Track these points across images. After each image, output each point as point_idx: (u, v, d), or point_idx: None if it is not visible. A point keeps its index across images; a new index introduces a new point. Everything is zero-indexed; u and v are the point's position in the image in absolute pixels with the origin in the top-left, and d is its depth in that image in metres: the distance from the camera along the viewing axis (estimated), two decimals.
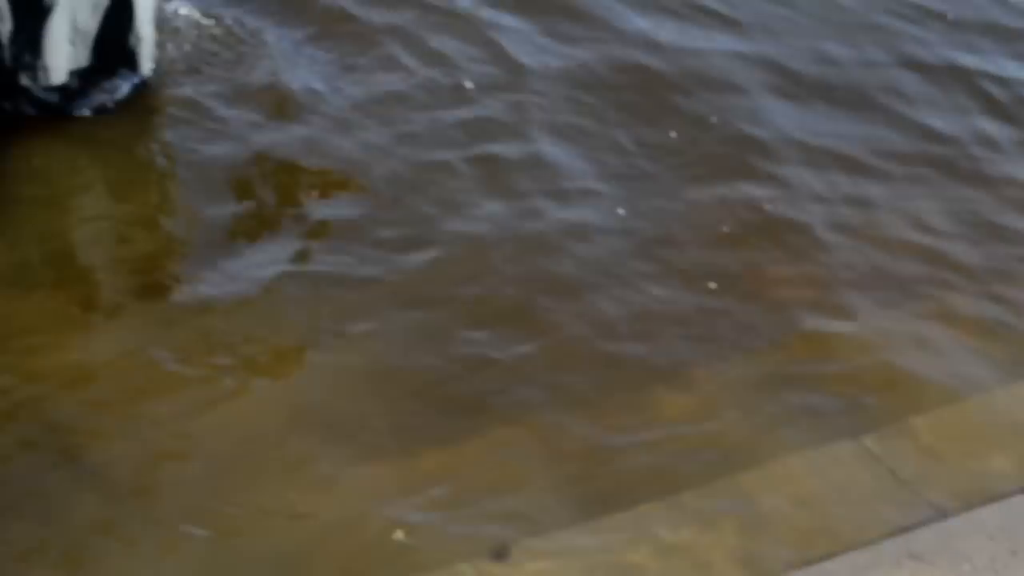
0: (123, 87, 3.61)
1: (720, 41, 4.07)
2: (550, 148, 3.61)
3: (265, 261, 3.24)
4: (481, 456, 2.78)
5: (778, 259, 3.35)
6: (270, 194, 3.48)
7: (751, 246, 3.38)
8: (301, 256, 3.25)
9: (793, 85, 3.94)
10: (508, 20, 4.03)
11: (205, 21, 3.93)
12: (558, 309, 3.12)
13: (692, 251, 3.34)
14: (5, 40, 3.40)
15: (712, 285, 3.24)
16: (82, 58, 3.52)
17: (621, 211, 3.42)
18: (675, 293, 3.20)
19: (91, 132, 3.55)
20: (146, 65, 3.60)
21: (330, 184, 3.48)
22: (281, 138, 3.58)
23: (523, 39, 3.98)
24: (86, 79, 3.56)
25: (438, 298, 3.14)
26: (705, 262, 3.31)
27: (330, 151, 3.55)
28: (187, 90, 3.71)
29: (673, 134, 3.68)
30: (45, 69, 3.45)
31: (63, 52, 3.47)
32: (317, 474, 2.72)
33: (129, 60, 3.57)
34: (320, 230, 3.34)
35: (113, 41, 3.54)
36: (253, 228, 3.37)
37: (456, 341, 3.03)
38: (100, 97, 3.59)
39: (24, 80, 3.45)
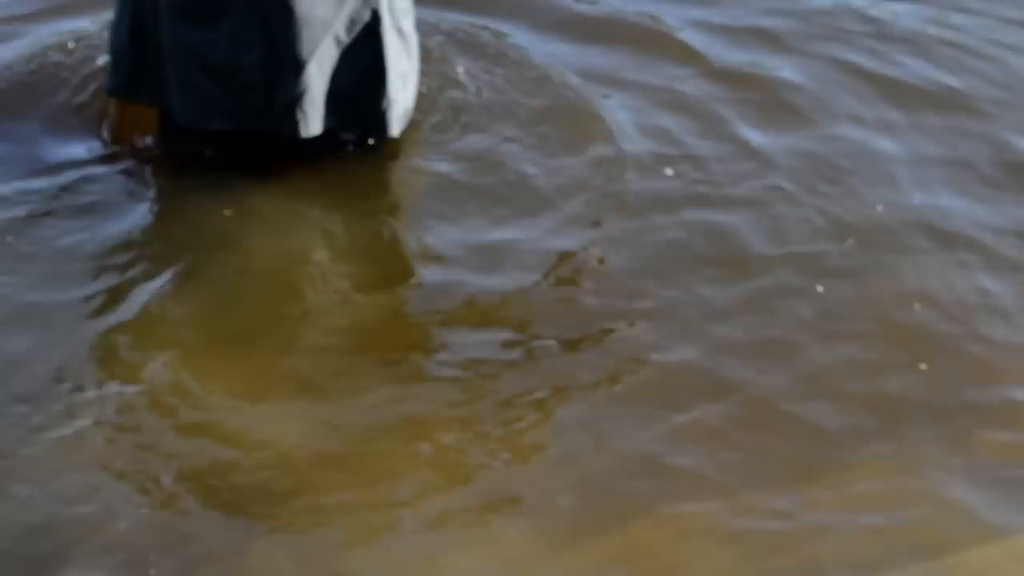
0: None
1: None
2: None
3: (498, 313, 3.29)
4: (659, 538, 2.71)
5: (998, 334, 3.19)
6: (508, 231, 3.54)
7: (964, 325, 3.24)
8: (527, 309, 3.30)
9: None
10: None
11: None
12: (753, 375, 3.07)
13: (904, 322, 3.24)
14: (262, 91, 3.55)
15: (923, 366, 3.10)
16: (335, 118, 3.62)
17: (820, 287, 3.33)
18: (881, 366, 3.11)
19: (325, 171, 3.68)
20: (395, 127, 3.68)
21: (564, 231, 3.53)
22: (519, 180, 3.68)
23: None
24: (339, 132, 3.69)
25: (630, 366, 3.11)
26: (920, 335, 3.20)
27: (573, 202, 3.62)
28: (432, 119, 3.87)
29: (880, 207, 3.61)
30: (295, 123, 3.56)
31: (318, 110, 3.58)
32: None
33: (379, 123, 3.67)
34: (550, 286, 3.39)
35: (366, 103, 3.64)
36: (487, 266, 3.43)
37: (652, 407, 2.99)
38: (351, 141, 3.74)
39: (275, 128, 3.57)
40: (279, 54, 3.52)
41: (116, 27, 3.68)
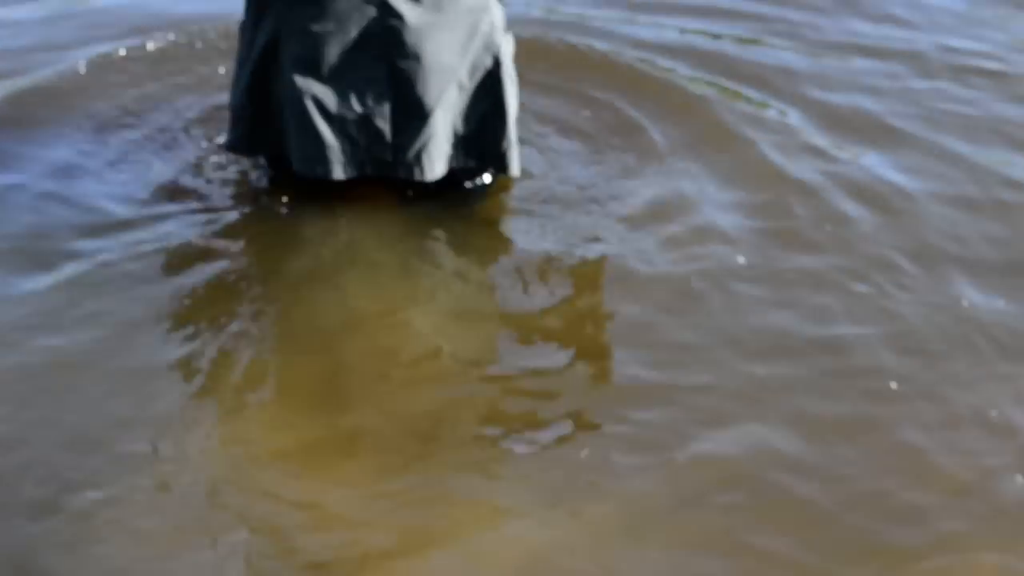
0: (487, 177, 3.84)
1: None
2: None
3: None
4: None
5: None
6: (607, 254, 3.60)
7: None
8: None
9: None
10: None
11: None
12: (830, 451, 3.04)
13: None
14: (389, 139, 3.63)
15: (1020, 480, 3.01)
16: (458, 159, 3.72)
17: (894, 384, 3.21)
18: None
19: (426, 207, 3.75)
20: (515, 166, 3.78)
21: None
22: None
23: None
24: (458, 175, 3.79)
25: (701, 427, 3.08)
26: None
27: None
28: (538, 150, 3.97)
29: (966, 302, 3.52)
30: (421, 168, 3.66)
31: (442, 153, 3.68)
32: None
33: (501, 163, 3.76)
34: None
35: (487, 144, 3.73)
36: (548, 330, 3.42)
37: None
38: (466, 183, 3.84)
39: (401, 173, 3.67)
40: (407, 103, 3.61)
41: (235, 84, 3.75)
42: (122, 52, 4.62)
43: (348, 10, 3.51)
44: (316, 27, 3.52)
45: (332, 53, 3.56)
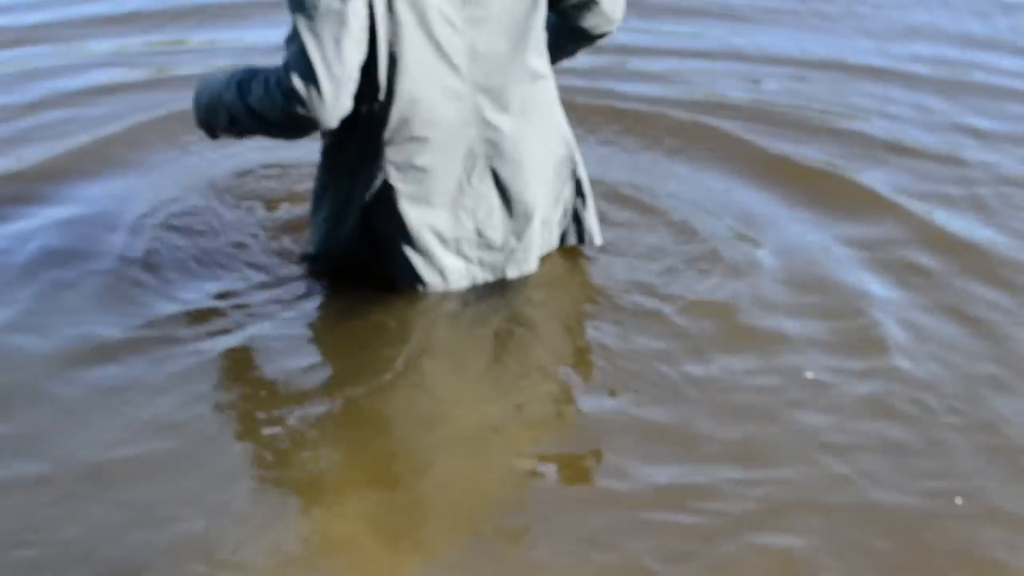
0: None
1: None
2: None
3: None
4: None
5: None
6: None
7: None
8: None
9: None
10: None
11: None
12: None
13: None
14: (500, 245, 3.76)
15: None
16: (550, 244, 3.92)
17: (959, 500, 3.13)
18: None
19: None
20: (598, 236, 3.98)
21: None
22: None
23: None
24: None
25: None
26: None
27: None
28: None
29: None
30: (528, 263, 3.82)
31: (537, 245, 3.85)
32: None
33: (589, 237, 3.96)
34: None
35: (575, 224, 3.94)
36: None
37: None
38: None
39: (510, 273, 3.81)
40: (513, 207, 3.75)
41: (333, 227, 3.74)
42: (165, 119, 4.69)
43: (450, 137, 3.62)
44: (423, 161, 3.62)
45: (441, 181, 3.65)
